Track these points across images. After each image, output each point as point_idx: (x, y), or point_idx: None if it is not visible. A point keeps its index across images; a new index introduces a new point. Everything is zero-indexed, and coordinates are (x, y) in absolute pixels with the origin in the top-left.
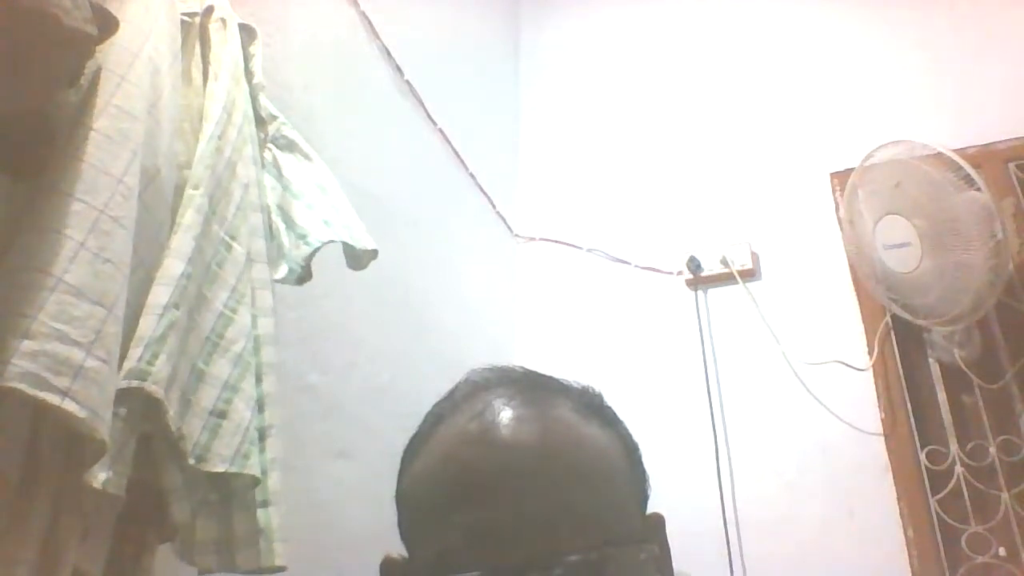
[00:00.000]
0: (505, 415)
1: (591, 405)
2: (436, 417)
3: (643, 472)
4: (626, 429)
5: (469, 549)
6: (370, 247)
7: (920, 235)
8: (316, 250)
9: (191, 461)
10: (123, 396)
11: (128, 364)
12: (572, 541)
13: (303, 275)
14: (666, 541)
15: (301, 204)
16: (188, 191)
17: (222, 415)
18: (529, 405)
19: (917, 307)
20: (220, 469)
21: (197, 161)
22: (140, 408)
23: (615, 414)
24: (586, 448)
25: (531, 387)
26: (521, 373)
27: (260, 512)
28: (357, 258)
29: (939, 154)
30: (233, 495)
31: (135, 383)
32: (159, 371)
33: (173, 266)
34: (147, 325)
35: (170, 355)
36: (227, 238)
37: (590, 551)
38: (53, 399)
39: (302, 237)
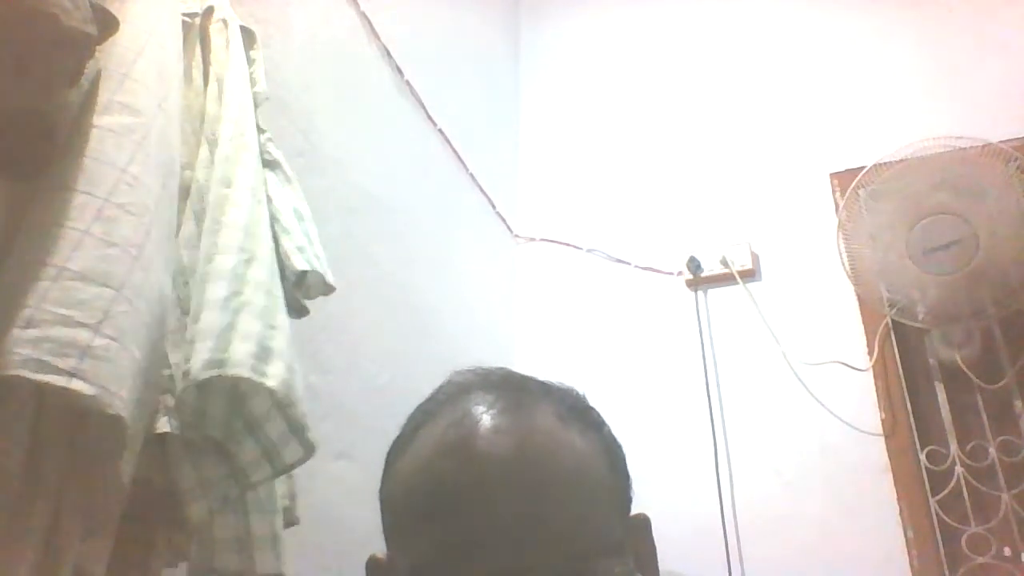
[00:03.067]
0: (483, 424)
1: (574, 409)
2: (417, 423)
3: (626, 476)
4: (610, 432)
5: (441, 561)
6: (331, 280)
7: (975, 229)
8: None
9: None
10: (204, 387)
11: (203, 356)
12: (544, 555)
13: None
14: (651, 542)
15: (278, 227)
16: (222, 190)
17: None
18: (509, 413)
19: (965, 303)
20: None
21: (222, 160)
22: (226, 397)
23: (599, 416)
24: (563, 459)
25: (513, 391)
26: (503, 376)
27: (276, 518)
28: (319, 288)
29: (986, 145)
30: (250, 492)
31: (214, 372)
32: (236, 356)
33: (224, 262)
34: (211, 319)
35: (245, 336)
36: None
37: (562, 564)
38: (59, 380)
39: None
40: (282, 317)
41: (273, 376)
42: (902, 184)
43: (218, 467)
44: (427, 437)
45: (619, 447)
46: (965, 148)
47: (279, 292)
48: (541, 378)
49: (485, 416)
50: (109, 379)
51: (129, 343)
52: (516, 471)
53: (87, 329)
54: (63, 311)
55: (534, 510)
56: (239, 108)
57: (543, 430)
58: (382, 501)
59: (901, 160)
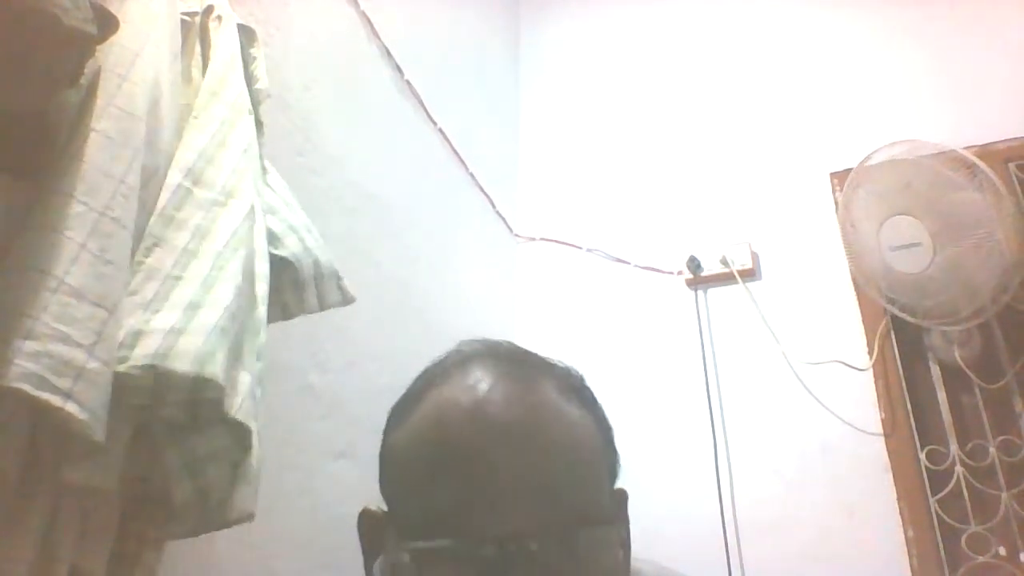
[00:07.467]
0: (494, 391)
1: (573, 386)
2: (427, 382)
3: (615, 451)
4: (602, 410)
5: (451, 517)
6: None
7: (932, 234)
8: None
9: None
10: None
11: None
12: (549, 517)
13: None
14: (626, 515)
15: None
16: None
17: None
18: (516, 382)
19: (926, 307)
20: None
21: (197, 155)
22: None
23: (593, 395)
24: (566, 428)
25: (518, 364)
26: (508, 348)
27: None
28: (333, 296)
29: (950, 152)
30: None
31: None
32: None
33: (162, 257)
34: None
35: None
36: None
37: (565, 528)
38: (56, 400)
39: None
40: (209, 315)
41: (183, 355)
42: (879, 181)
43: (216, 440)
44: (439, 397)
45: (610, 424)
46: (955, 149)
47: (224, 294)
48: (542, 355)
49: (496, 383)
50: (97, 405)
51: (113, 366)
52: (525, 436)
53: (82, 350)
54: (62, 327)
55: (541, 474)
56: (228, 107)
57: (547, 401)
58: (385, 454)
59: (890, 159)
